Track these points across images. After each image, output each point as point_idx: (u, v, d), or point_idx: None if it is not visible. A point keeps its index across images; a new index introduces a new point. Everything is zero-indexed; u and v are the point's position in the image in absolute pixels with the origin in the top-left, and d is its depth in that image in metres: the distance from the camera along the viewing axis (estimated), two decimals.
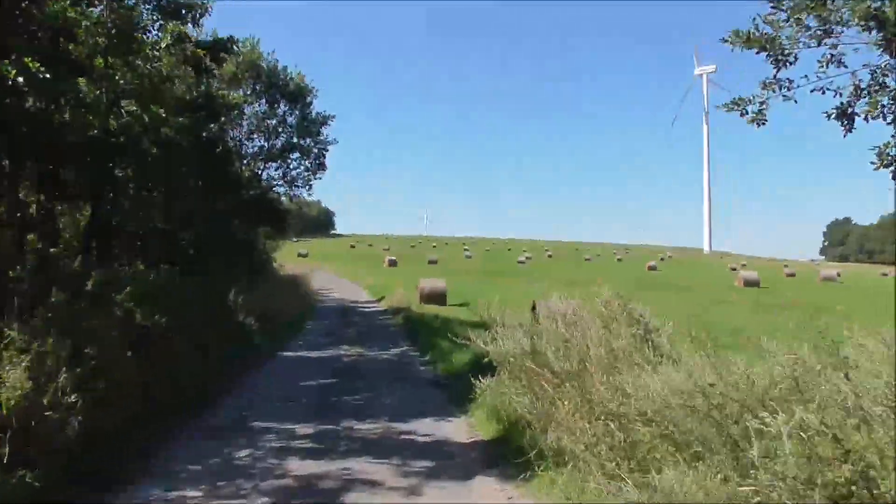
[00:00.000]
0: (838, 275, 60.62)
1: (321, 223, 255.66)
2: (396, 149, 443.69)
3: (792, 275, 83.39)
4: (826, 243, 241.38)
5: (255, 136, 25.36)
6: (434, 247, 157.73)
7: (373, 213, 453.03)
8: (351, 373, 13.07)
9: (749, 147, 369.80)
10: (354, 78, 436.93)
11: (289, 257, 70.09)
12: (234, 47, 14.52)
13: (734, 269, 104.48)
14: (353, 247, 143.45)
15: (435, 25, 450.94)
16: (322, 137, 25.25)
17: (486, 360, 8.91)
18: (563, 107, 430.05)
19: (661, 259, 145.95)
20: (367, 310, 27.54)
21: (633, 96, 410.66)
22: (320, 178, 26.19)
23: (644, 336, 7.89)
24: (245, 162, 25.61)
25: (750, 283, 49.20)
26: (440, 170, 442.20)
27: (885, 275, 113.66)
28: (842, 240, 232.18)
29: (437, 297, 31.05)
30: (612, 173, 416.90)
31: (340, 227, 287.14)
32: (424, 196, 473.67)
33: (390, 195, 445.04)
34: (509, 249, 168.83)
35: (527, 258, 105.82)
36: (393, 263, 71.30)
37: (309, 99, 24.92)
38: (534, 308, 22.97)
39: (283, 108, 24.87)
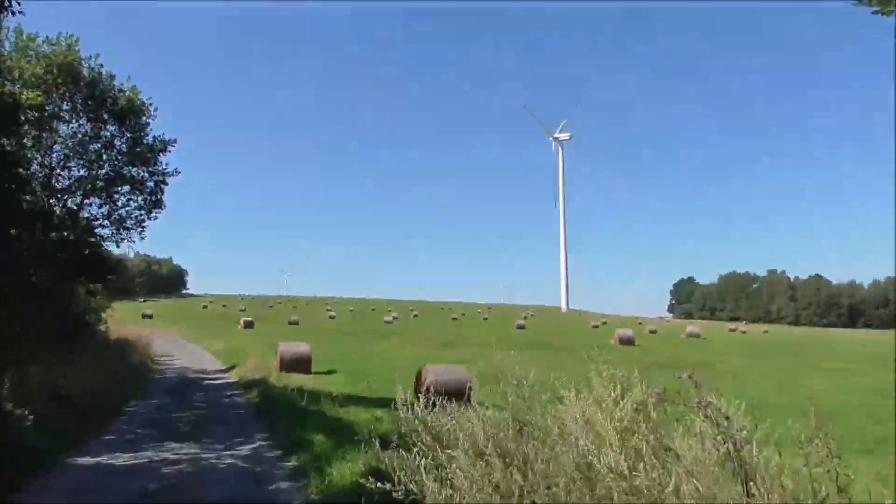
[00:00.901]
0: (700, 332, 61.20)
1: (172, 282, 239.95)
2: (254, 204, 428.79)
3: (654, 332, 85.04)
4: (673, 301, 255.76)
5: (73, 163, 19.80)
6: (294, 307, 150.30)
7: (229, 273, 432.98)
8: (171, 499, 8.34)
9: (601, 210, 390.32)
10: (207, 127, 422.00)
11: (131, 319, 62.02)
12: None
13: (596, 326, 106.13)
14: (205, 307, 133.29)
15: (294, 82, 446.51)
16: (159, 167, 19.94)
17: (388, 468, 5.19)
18: (423, 169, 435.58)
19: (525, 317, 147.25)
20: (214, 382, 22.32)
21: (484, 158, 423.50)
22: (156, 218, 20.51)
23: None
24: (57, 196, 20.04)
25: (625, 341, 47.86)
26: (301, 228, 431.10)
27: (732, 330, 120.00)
28: (687, 297, 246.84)
29: (301, 364, 26.30)
30: (472, 235, 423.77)
31: (193, 286, 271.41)
32: (285, 255, 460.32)
33: (248, 253, 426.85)
34: (373, 309, 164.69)
35: (393, 318, 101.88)
36: (249, 325, 64.85)
37: (144, 119, 19.70)
38: (419, 377, 18.86)
39: (110, 128, 19.51)
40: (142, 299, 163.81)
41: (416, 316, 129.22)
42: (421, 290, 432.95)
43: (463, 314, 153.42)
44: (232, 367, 27.13)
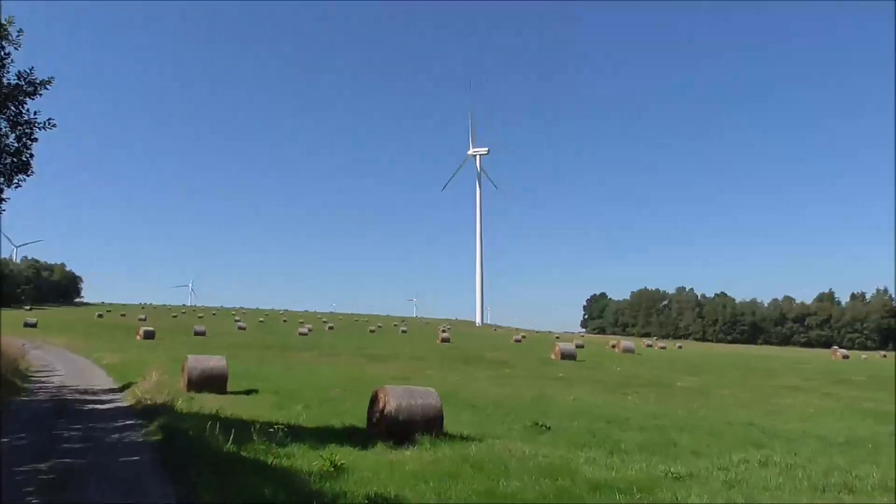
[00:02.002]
0: (649, 346, 59.17)
1: (64, 289, 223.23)
2: (157, 211, 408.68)
3: (581, 346, 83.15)
4: (586, 316, 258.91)
5: None
6: (200, 317, 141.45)
7: (129, 281, 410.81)
8: None
9: (515, 224, 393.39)
10: (102, 122, 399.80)
11: (11, 328, 54.45)
12: None
13: (518, 341, 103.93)
14: (101, 316, 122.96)
15: (195, 81, 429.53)
16: (25, 116, 14.14)
17: None
18: (341, 177, 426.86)
19: (444, 330, 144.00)
20: (100, 407, 17.34)
21: (403, 165, 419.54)
22: (19, 186, 14.64)
23: None
24: None
25: (567, 356, 44.89)
26: (207, 237, 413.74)
27: (650, 346, 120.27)
28: (599, 313, 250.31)
29: (215, 382, 21.56)
30: (382, 247, 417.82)
31: (89, 294, 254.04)
32: (189, 264, 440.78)
33: (150, 262, 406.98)
34: (285, 321, 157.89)
35: (309, 330, 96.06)
36: (149, 336, 58.24)
37: (5, 49, 13.85)
38: (375, 401, 14.66)
39: None
40: (28, 307, 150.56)
41: (331, 328, 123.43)
42: (330, 302, 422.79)
43: (379, 326, 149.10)
44: (127, 386, 21.99)
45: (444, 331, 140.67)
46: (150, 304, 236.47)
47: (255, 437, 10.90)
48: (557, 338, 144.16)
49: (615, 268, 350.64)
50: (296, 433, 12.86)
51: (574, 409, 21.38)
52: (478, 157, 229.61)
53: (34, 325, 72.57)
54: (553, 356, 45.59)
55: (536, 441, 15.17)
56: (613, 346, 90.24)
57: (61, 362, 34.83)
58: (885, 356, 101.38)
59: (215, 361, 22.10)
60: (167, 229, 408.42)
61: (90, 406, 17.37)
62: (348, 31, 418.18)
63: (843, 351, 79.69)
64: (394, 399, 13.92)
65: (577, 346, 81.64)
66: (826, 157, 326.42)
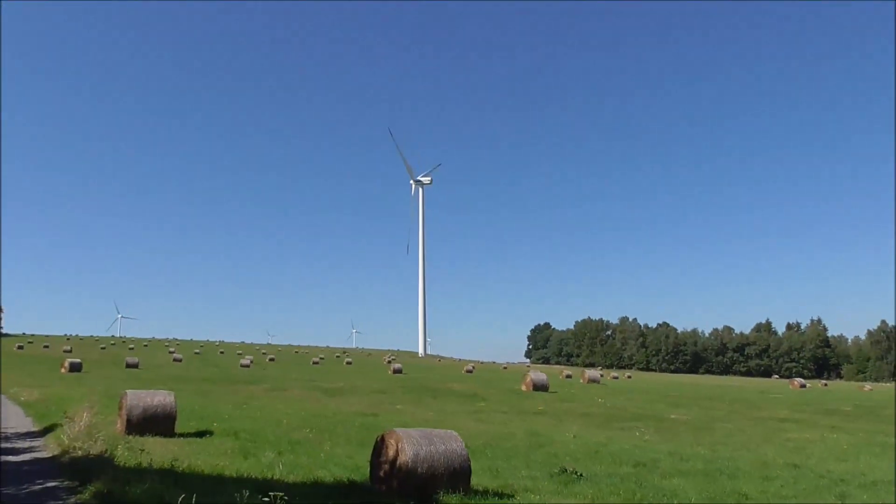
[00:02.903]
0: (602, 376, 56.82)
1: None
2: (84, 236, 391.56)
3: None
4: (530, 346, 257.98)
5: None
6: (131, 349, 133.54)
7: (54, 311, 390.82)
8: None
9: (460, 256, 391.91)
10: (20, 138, 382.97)
11: None
12: None
13: (469, 371, 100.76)
14: (21, 348, 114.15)
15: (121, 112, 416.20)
16: None
17: None
18: (278, 205, 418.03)
19: (389, 361, 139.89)
20: (12, 459, 13.49)
21: (342, 193, 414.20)
22: None
23: None
24: None
25: (540, 387, 42.13)
26: (137, 264, 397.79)
27: (602, 376, 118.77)
28: (544, 343, 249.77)
29: (160, 423, 17.88)
30: (319, 278, 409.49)
31: (9, 325, 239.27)
32: (118, 292, 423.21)
33: (76, 290, 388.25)
34: (221, 352, 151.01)
35: (250, 361, 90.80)
36: (76, 368, 52.96)
37: None
38: (383, 447, 11.51)
39: None
40: None
41: (272, 360, 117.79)
42: (266, 333, 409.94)
43: (322, 357, 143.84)
44: (50, 429, 18.07)
45: (389, 361, 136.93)
46: (77, 335, 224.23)
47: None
48: (505, 367, 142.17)
49: (558, 298, 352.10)
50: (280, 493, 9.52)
51: (585, 450, 18.52)
52: (421, 186, 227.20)
53: None
54: (524, 387, 42.72)
55: (574, 493, 12.23)
56: (568, 377, 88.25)
57: None
58: (825, 385, 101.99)
59: (161, 398, 18.36)
60: (95, 256, 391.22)
61: None
62: (273, 51, 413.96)
63: (800, 380, 79.40)
64: (410, 446, 10.78)
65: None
66: (761, 189, 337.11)
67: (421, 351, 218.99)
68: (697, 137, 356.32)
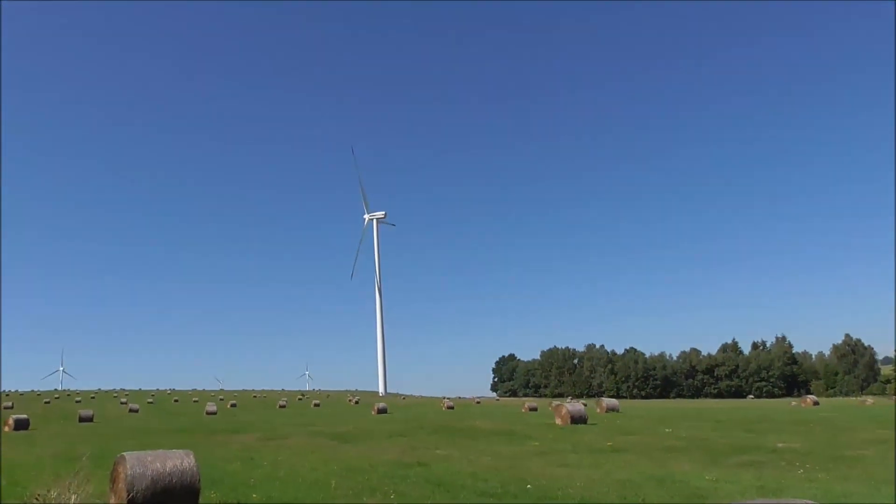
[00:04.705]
0: (618, 407, 51.67)
1: None
2: (16, 287, 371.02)
3: (535, 408, 75.23)
4: (496, 379, 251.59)
5: None
6: (79, 401, 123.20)
7: None
8: None
9: (414, 291, 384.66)
10: None
11: None
12: None
13: (451, 408, 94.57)
14: None
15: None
16: None
17: None
18: (229, 246, 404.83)
19: (356, 402, 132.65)
20: None
21: (288, 237, 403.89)
22: None
23: None
24: None
25: (578, 419, 36.78)
26: (73, 314, 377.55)
27: (585, 405, 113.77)
28: (509, 375, 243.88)
29: (178, 497, 11.94)
30: (268, 318, 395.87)
31: None
32: (55, 344, 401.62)
33: (10, 343, 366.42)
34: (176, 400, 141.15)
35: (216, 408, 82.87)
36: (22, 425, 45.34)
37: None
38: None
39: None
40: None
41: (234, 405, 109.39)
42: (211, 379, 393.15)
43: (286, 400, 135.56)
44: None
45: (356, 401, 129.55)
46: (16, 390, 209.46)
47: None
48: (478, 402, 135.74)
49: (520, 329, 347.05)
50: None
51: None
52: (375, 220, 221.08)
53: None
54: (559, 420, 37.12)
55: None
56: (533, 409, 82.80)
57: None
58: (816, 403, 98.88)
59: (175, 461, 12.43)
60: (29, 307, 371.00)
61: None
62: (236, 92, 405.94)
63: (812, 397, 75.73)
64: None
65: (532, 409, 73.86)
66: (717, 211, 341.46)
67: (381, 390, 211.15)
68: (654, 163, 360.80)
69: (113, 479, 12.49)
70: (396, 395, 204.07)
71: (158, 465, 12.20)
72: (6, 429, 45.37)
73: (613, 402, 50.87)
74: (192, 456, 12.73)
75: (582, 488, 16.00)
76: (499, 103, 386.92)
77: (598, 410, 50.38)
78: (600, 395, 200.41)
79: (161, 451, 12.96)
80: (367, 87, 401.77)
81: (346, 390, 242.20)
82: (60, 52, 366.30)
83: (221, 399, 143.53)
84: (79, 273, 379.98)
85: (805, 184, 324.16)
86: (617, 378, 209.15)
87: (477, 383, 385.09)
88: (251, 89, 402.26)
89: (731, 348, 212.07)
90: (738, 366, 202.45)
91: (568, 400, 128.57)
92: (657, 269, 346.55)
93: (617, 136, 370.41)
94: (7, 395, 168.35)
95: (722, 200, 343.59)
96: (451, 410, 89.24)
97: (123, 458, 12.27)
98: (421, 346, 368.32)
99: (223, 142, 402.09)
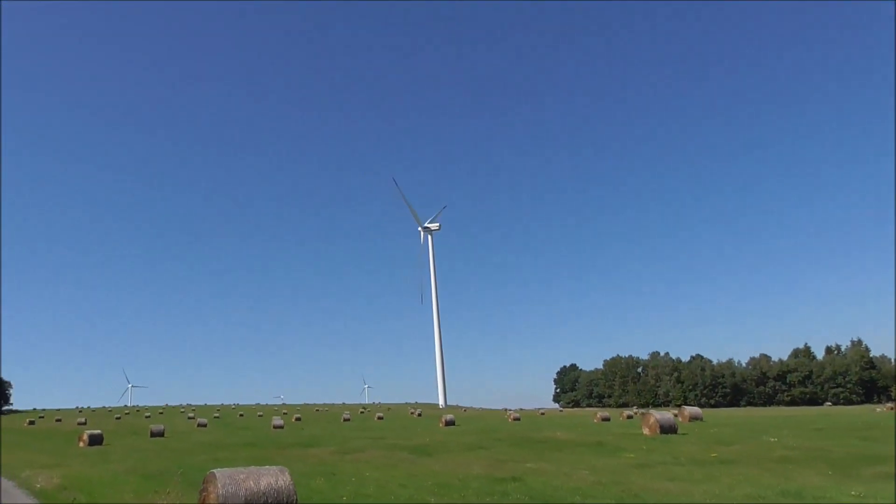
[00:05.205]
0: (701, 415, 48.94)
1: None
2: (88, 307, 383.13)
3: (607, 419, 72.86)
4: (558, 390, 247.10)
5: None
6: (148, 416, 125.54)
7: (65, 384, 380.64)
8: None
9: (471, 302, 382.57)
10: (21, 214, 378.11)
11: None
12: None
13: (517, 419, 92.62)
14: (32, 423, 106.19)
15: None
16: None
17: None
18: (289, 267, 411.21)
19: (419, 414, 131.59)
20: None
21: (362, 249, 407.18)
22: None
23: None
24: None
25: (668, 429, 34.63)
26: (140, 331, 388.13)
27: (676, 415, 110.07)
28: (571, 385, 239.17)
29: None
30: (327, 333, 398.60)
31: (20, 401, 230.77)
32: (124, 361, 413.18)
33: (81, 363, 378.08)
34: (241, 415, 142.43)
35: (282, 423, 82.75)
36: (96, 440, 45.49)
37: None
38: None
39: None
40: None
41: (299, 419, 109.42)
42: (270, 394, 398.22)
43: (350, 413, 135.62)
44: None
45: (417, 414, 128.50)
46: (88, 406, 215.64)
47: None
48: (542, 412, 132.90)
49: (582, 338, 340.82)
50: None
51: None
52: (430, 233, 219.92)
53: None
54: (647, 430, 35.05)
55: None
56: (630, 417, 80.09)
57: None
58: None
59: (270, 478, 11.22)
60: (98, 327, 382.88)
61: None
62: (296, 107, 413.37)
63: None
64: None
65: (604, 419, 71.49)
66: (784, 214, 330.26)
67: (441, 402, 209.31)
68: (717, 165, 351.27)
69: (203, 497, 11.34)
70: (457, 406, 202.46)
71: (252, 483, 11.00)
72: (81, 444, 45.60)
73: (696, 410, 48.21)
74: (287, 473, 11.50)
75: None
76: (563, 106, 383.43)
77: (681, 419, 47.82)
78: (666, 404, 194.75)
79: (254, 467, 11.77)
80: (431, 92, 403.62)
81: (406, 403, 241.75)
82: (60, 52, 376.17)
83: (285, 413, 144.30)
84: (137, 291, 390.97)
85: (881, 181, 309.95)
86: (684, 386, 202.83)
87: (534, 394, 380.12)
88: (303, 104, 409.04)
89: (804, 353, 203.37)
90: (811, 371, 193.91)
91: (642, 410, 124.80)
92: (720, 274, 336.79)
93: (671, 143, 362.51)
94: (80, 411, 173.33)
95: (789, 200, 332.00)
96: (518, 422, 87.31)
97: (214, 475, 11.12)
98: (478, 358, 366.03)
99: (281, 157, 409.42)
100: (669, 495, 15.97)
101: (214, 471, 11.33)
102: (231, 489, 10.78)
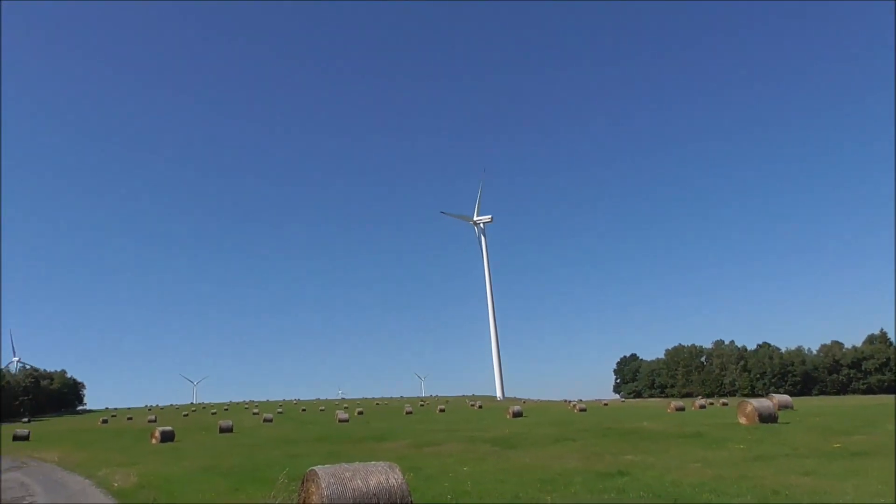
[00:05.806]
0: (791, 404, 46.02)
1: (66, 397, 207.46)
2: (155, 308, 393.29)
3: (681, 408, 69.98)
4: (618, 380, 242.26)
5: None
6: (214, 413, 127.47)
7: (133, 383, 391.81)
8: None
9: (528, 293, 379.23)
10: (90, 222, 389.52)
11: None
12: None
13: (583, 410, 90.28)
14: (105, 422, 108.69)
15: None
16: None
17: None
18: (349, 261, 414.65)
19: (479, 406, 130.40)
20: None
21: (408, 246, 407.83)
22: None
23: None
24: None
25: (767, 418, 32.30)
26: (203, 331, 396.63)
27: (725, 404, 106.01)
28: (632, 375, 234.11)
29: None
30: (380, 326, 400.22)
31: (92, 401, 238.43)
32: (188, 359, 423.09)
33: (151, 361, 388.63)
34: (303, 410, 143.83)
35: (347, 417, 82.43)
36: (168, 437, 45.33)
37: None
38: None
39: None
40: (26, 419, 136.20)
41: (361, 413, 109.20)
42: (330, 388, 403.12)
43: (413, 405, 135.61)
44: None
45: (478, 407, 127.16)
46: (157, 405, 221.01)
47: None
48: (605, 402, 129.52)
49: (638, 328, 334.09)
50: None
51: None
52: (482, 224, 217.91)
53: (25, 438, 59.09)
54: (743, 419, 32.76)
55: None
56: (702, 407, 76.79)
57: (44, 487, 22.15)
58: None
59: (380, 476, 9.78)
60: (165, 326, 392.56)
61: None
62: (339, 101, 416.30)
63: None
64: None
65: (678, 409, 68.60)
66: (848, 192, 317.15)
67: (499, 394, 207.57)
68: (777, 158, 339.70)
69: (302, 500, 9.93)
70: (514, 398, 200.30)
71: (360, 482, 9.55)
72: (153, 441, 45.48)
73: (786, 398, 45.42)
74: (397, 470, 10.04)
75: None
76: (624, 102, 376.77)
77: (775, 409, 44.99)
78: (732, 393, 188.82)
79: (359, 464, 10.33)
80: (505, 85, 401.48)
81: (462, 395, 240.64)
82: (60, 52, 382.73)
83: (346, 407, 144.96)
84: (196, 290, 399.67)
85: None
86: (751, 375, 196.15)
87: (591, 386, 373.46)
88: (370, 87, 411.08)
89: (880, 339, 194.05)
90: (888, 358, 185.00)
91: (710, 400, 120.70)
92: (783, 260, 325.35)
93: (737, 137, 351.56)
94: (150, 409, 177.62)
95: (853, 185, 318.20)
96: (585, 413, 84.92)
97: (316, 472, 9.71)
98: (533, 349, 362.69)
99: (341, 144, 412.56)
100: (815, 493, 13.96)
101: (316, 468, 9.92)
102: (337, 489, 9.35)
